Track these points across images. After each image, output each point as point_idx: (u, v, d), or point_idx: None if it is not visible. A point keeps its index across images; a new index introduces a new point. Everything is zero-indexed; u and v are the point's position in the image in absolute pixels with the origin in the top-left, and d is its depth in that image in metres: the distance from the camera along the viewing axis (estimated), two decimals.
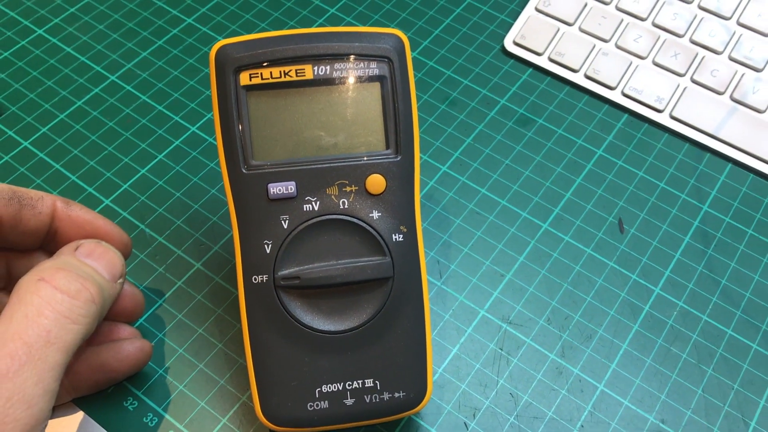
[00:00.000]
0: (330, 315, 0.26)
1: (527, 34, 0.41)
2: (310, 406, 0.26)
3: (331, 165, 0.26)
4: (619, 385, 0.31)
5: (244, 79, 0.25)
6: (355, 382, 0.26)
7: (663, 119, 0.38)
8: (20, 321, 0.22)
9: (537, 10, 0.42)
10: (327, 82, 0.26)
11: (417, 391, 0.27)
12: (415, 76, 0.40)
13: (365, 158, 0.26)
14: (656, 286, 0.33)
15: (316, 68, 0.26)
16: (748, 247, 0.35)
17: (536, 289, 0.33)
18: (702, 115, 0.38)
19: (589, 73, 0.40)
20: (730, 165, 0.37)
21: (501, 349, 0.32)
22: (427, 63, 0.41)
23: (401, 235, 0.26)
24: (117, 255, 0.27)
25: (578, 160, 0.37)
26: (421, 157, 0.37)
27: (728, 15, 0.40)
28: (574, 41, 0.41)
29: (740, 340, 0.32)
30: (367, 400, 0.26)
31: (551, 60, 0.40)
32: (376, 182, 0.26)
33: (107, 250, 0.27)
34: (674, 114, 0.38)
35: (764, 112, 0.38)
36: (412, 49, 0.41)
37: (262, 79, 0.25)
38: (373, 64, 0.26)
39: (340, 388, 0.26)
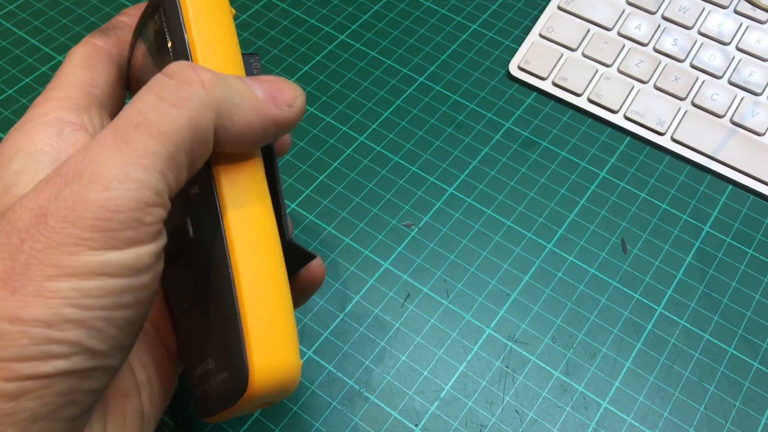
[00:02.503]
0: (174, 293, 0.25)
1: (531, 60, 0.42)
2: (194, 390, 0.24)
3: None
4: (623, 402, 0.31)
5: None
6: (201, 365, 0.24)
7: (664, 142, 0.39)
8: (122, 112, 0.21)
9: (541, 35, 0.43)
10: None
11: (238, 371, 0.22)
12: (422, 100, 0.41)
13: None
14: (659, 305, 0.34)
15: None
16: (749, 267, 0.35)
17: (541, 308, 0.34)
18: (703, 138, 0.39)
19: (592, 97, 0.41)
20: (730, 186, 0.38)
21: (507, 367, 0.32)
22: (434, 87, 0.42)
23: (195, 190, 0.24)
24: (287, 80, 0.24)
25: (582, 182, 0.38)
26: (428, 179, 0.38)
27: (728, 41, 0.41)
28: (577, 66, 0.42)
29: (741, 358, 0.33)
30: (211, 384, 0.23)
31: (555, 84, 0.42)
32: None
33: (275, 78, 0.24)
34: (675, 137, 0.39)
35: (763, 134, 0.39)
36: (419, 74, 0.43)
37: None
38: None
39: (198, 372, 0.24)
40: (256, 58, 0.26)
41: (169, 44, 0.24)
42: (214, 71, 0.21)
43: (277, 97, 0.23)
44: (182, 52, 0.23)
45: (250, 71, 0.25)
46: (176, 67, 0.21)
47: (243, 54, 0.25)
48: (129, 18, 0.27)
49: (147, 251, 0.20)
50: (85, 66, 0.25)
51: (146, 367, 0.25)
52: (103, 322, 0.19)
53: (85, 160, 0.19)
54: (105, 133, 0.20)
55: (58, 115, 0.23)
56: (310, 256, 0.26)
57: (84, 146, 0.20)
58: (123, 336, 0.20)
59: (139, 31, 0.26)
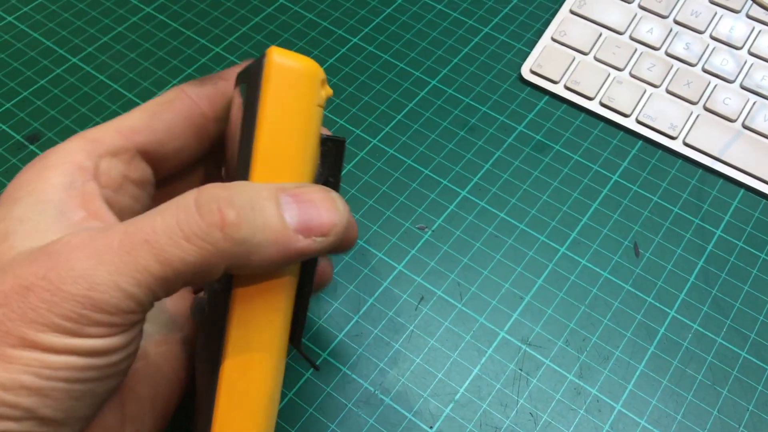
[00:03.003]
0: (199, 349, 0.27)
1: (544, 63, 0.42)
2: None
3: None
4: (636, 405, 0.32)
5: None
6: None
7: (676, 146, 0.40)
8: (142, 216, 0.20)
9: (553, 39, 0.43)
10: None
11: None
12: (434, 103, 0.42)
13: None
14: (671, 309, 0.34)
15: None
16: (762, 272, 0.36)
17: (555, 312, 0.34)
18: (714, 142, 0.39)
19: (604, 101, 0.41)
20: (742, 191, 0.38)
21: (521, 370, 0.32)
22: (446, 91, 0.42)
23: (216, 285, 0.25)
24: (336, 204, 0.22)
25: (594, 186, 0.38)
26: (441, 182, 0.38)
27: (739, 45, 0.41)
28: (589, 70, 0.42)
29: (754, 362, 0.33)
30: None
31: (567, 88, 0.42)
32: None
33: (321, 197, 0.22)
34: (687, 141, 0.39)
35: None
36: (432, 77, 0.43)
37: None
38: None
39: None
40: (341, 144, 0.25)
41: (244, 121, 0.23)
42: (242, 207, 0.20)
43: (311, 226, 0.21)
44: (248, 139, 0.23)
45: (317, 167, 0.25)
46: (206, 196, 0.20)
47: (324, 137, 0.25)
48: (230, 76, 0.27)
49: (116, 341, 0.20)
50: (148, 111, 0.26)
51: (140, 401, 0.25)
52: (62, 393, 0.19)
53: (86, 249, 0.19)
54: (115, 233, 0.20)
55: (77, 159, 0.23)
56: (315, 367, 0.28)
57: (90, 234, 0.20)
58: (82, 407, 0.20)
59: (238, 83, 0.26)
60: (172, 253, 0.19)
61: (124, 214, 0.24)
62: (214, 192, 0.20)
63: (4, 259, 0.20)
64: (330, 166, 0.25)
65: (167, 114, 0.26)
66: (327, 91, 0.24)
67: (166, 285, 0.20)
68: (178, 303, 0.28)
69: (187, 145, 0.27)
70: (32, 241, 0.21)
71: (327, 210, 0.22)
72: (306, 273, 0.25)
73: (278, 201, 0.21)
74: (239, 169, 0.23)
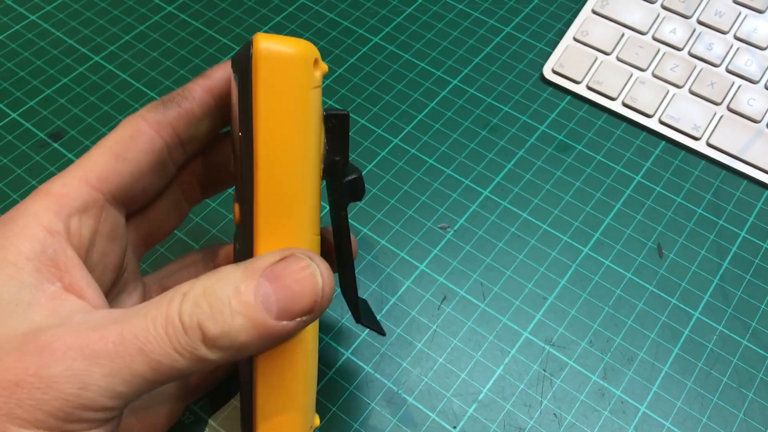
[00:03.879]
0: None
1: (566, 63, 0.42)
2: None
3: None
4: (661, 407, 0.31)
5: None
6: None
7: (700, 147, 0.39)
8: (136, 318, 0.21)
9: (575, 39, 0.43)
10: None
11: None
12: (456, 102, 0.41)
13: None
14: (696, 311, 0.34)
15: None
16: None
17: (578, 312, 0.34)
18: (739, 143, 0.39)
19: (627, 101, 0.41)
20: (766, 192, 0.38)
21: (544, 371, 0.32)
22: (468, 90, 0.42)
23: None
24: (317, 280, 0.22)
25: (617, 186, 0.38)
26: (463, 182, 0.38)
27: (764, 45, 0.41)
28: (611, 70, 0.42)
29: None
30: None
31: (589, 88, 0.42)
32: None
33: (302, 276, 0.22)
34: (711, 141, 0.39)
35: None
36: (452, 77, 0.43)
37: None
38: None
39: None
40: (345, 118, 0.24)
41: (241, 114, 0.23)
42: (221, 314, 0.21)
43: (292, 310, 0.21)
44: (248, 133, 0.22)
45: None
46: (187, 312, 0.21)
47: (327, 113, 0.24)
48: (201, 88, 0.26)
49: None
50: (111, 153, 0.24)
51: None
52: None
53: (81, 349, 0.20)
54: (110, 334, 0.20)
55: (45, 221, 0.22)
56: (381, 332, 0.29)
57: (83, 332, 0.20)
58: None
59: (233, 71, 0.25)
60: (165, 363, 0.20)
61: (96, 269, 0.24)
62: (193, 306, 0.21)
63: None
64: (336, 143, 0.25)
65: (131, 153, 0.24)
66: (322, 68, 0.23)
67: (154, 385, 0.21)
68: None
69: (154, 181, 0.26)
70: (12, 325, 0.20)
71: (307, 289, 0.22)
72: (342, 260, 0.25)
73: (257, 292, 0.21)
74: (243, 165, 0.23)
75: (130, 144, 0.24)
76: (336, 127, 0.25)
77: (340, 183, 0.25)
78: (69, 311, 0.21)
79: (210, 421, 0.31)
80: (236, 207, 0.24)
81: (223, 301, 0.21)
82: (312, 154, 0.23)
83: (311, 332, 0.24)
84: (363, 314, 0.28)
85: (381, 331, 0.29)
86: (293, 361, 0.24)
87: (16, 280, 0.21)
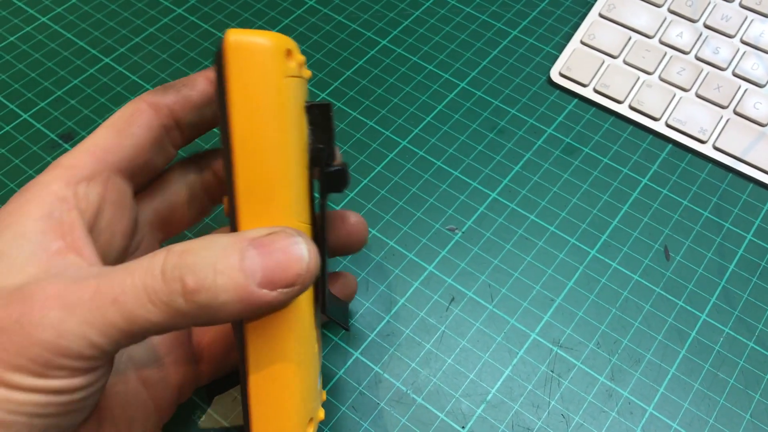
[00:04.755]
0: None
1: (573, 66, 0.42)
2: None
3: None
4: (668, 408, 0.32)
5: None
6: None
7: (706, 150, 0.40)
8: (115, 271, 0.21)
9: (582, 42, 0.43)
10: None
11: None
12: (463, 105, 0.42)
13: None
14: (702, 313, 0.34)
15: None
16: None
17: (585, 314, 0.34)
18: (745, 146, 0.39)
19: (634, 104, 0.41)
20: None
21: (552, 372, 0.33)
22: (476, 93, 0.43)
23: None
24: (302, 255, 0.22)
25: (624, 189, 0.39)
26: (470, 184, 0.39)
27: None
28: (618, 73, 0.42)
29: None
30: None
31: (596, 91, 0.42)
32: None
33: (289, 249, 0.22)
34: (717, 145, 0.39)
35: None
36: (460, 79, 0.43)
37: None
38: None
39: None
40: (326, 108, 0.25)
41: (219, 108, 0.24)
42: (204, 270, 0.21)
43: (274, 279, 0.22)
44: (225, 126, 0.23)
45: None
46: (170, 263, 0.21)
47: (308, 104, 0.25)
48: (203, 78, 0.27)
49: (78, 382, 0.21)
50: (114, 129, 0.26)
51: (116, 423, 0.26)
52: (24, 426, 0.20)
53: (59, 299, 0.20)
54: (88, 286, 0.21)
55: (54, 189, 0.24)
56: (345, 328, 0.30)
57: (65, 283, 0.21)
58: None
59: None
60: (138, 314, 0.21)
61: (104, 234, 0.25)
62: (177, 259, 0.21)
63: None
64: (320, 133, 0.25)
65: (131, 129, 0.26)
66: (297, 59, 0.24)
67: (131, 338, 0.21)
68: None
69: (155, 157, 0.27)
70: (9, 278, 0.22)
71: (293, 260, 0.22)
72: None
73: (242, 256, 0.21)
74: (224, 155, 0.24)
75: (130, 120, 0.26)
76: (318, 118, 0.25)
77: (322, 172, 0.26)
78: (64, 267, 0.22)
79: (209, 410, 0.31)
80: (225, 199, 0.25)
81: (208, 260, 0.21)
82: (288, 142, 0.24)
83: (306, 320, 0.25)
84: (331, 307, 0.28)
85: (345, 327, 0.29)
86: (285, 348, 0.24)
87: (23, 239, 0.22)
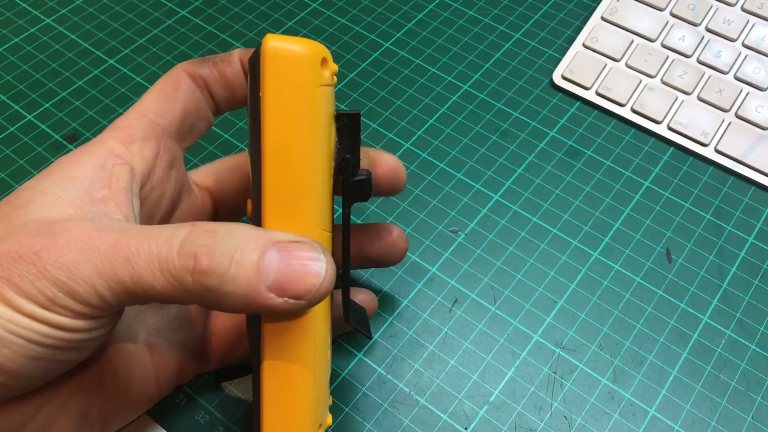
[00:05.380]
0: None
1: (575, 69, 0.43)
2: None
3: None
4: (670, 410, 0.32)
5: None
6: None
7: (708, 153, 0.40)
8: (139, 230, 0.22)
9: (584, 45, 0.43)
10: None
11: None
12: (466, 108, 0.42)
13: None
14: (704, 315, 0.35)
15: None
16: None
17: (588, 316, 0.34)
18: (746, 150, 0.39)
19: (636, 108, 0.41)
20: None
21: (555, 373, 0.33)
22: (478, 96, 0.43)
23: None
24: (320, 272, 0.22)
25: (626, 191, 0.39)
26: (473, 186, 0.39)
27: None
28: (620, 76, 0.42)
29: None
30: None
31: (599, 94, 0.42)
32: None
33: (309, 262, 0.22)
34: (719, 148, 0.40)
35: None
36: (463, 82, 0.43)
37: None
38: None
39: None
40: (356, 117, 0.25)
41: (251, 113, 0.24)
42: (221, 256, 0.21)
43: (286, 287, 0.22)
44: (256, 131, 0.23)
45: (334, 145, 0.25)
46: (192, 238, 0.21)
47: (338, 113, 0.25)
48: (239, 57, 0.28)
49: (80, 324, 0.22)
50: (162, 94, 0.27)
51: (117, 376, 0.27)
52: (20, 347, 0.21)
53: (80, 243, 0.21)
54: (108, 238, 0.21)
55: (110, 146, 0.25)
56: (368, 336, 0.29)
57: (89, 230, 0.22)
58: (38, 367, 0.22)
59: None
60: (145, 278, 0.21)
61: (155, 191, 0.27)
62: (200, 236, 0.21)
63: (18, 222, 0.22)
64: (347, 142, 0.26)
65: (178, 93, 0.27)
66: (331, 68, 0.24)
67: (135, 299, 0.22)
68: (184, 307, 0.30)
69: (199, 122, 0.29)
70: (48, 212, 0.23)
71: (309, 275, 0.22)
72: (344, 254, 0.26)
73: (263, 254, 0.22)
74: (252, 160, 0.24)
75: (176, 86, 0.28)
76: (346, 127, 0.25)
77: (348, 182, 0.26)
78: (99, 213, 0.23)
79: (211, 409, 0.31)
80: (249, 202, 0.25)
81: (229, 248, 0.21)
82: (318, 150, 0.24)
83: (322, 328, 0.25)
84: (352, 315, 0.28)
85: (368, 335, 0.29)
86: (302, 355, 0.24)
87: (72, 182, 0.24)
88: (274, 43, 0.23)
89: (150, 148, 0.26)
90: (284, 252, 0.22)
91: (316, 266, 0.22)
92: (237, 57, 0.28)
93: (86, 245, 0.21)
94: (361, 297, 0.32)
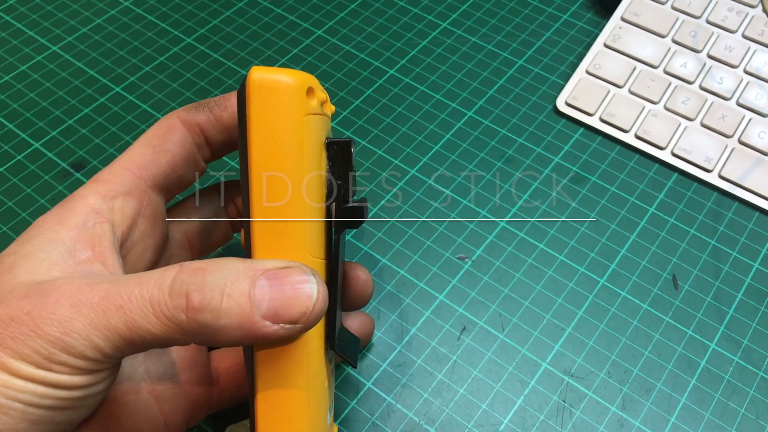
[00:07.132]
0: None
1: (579, 95, 0.43)
2: None
3: None
4: None
5: None
6: None
7: (712, 179, 0.40)
8: (128, 279, 0.22)
9: (588, 72, 0.44)
10: None
11: None
12: (471, 134, 0.42)
13: None
14: (712, 342, 0.35)
15: None
16: None
17: (596, 343, 0.34)
18: (750, 175, 0.40)
19: (640, 134, 0.41)
20: None
21: (564, 401, 0.33)
22: (483, 122, 0.43)
23: None
24: (312, 295, 0.22)
25: (631, 218, 0.39)
26: (479, 212, 0.39)
27: None
28: (624, 103, 0.42)
29: None
30: None
31: (602, 120, 0.42)
32: None
33: (299, 286, 0.22)
34: (723, 174, 0.40)
35: None
36: (467, 108, 0.44)
37: None
38: None
39: None
40: (346, 145, 0.26)
41: (240, 142, 0.25)
42: (211, 291, 0.21)
43: (280, 313, 0.22)
44: (245, 160, 0.24)
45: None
46: (181, 278, 0.22)
47: (329, 141, 0.25)
48: (228, 102, 0.29)
49: (78, 380, 0.21)
50: (150, 145, 0.27)
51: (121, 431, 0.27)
52: (18, 413, 0.21)
53: (71, 297, 0.21)
54: (99, 289, 0.21)
55: (91, 203, 0.25)
56: (353, 365, 0.28)
57: (79, 284, 0.22)
58: (37, 430, 0.22)
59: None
60: (140, 323, 0.21)
61: (138, 246, 0.27)
62: (188, 274, 0.22)
63: (4, 287, 0.22)
64: (338, 169, 0.26)
65: (167, 145, 0.27)
66: (319, 97, 0.24)
67: (132, 346, 0.22)
68: (183, 349, 0.30)
69: (188, 172, 0.29)
70: (33, 275, 0.23)
71: (301, 298, 0.22)
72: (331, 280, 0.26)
73: (253, 285, 0.22)
74: (242, 192, 0.24)
75: (166, 137, 0.27)
76: (337, 154, 0.26)
77: (339, 208, 0.26)
78: (86, 272, 0.23)
79: None
80: (242, 232, 0.25)
81: (219, 282, 0.21)
82: (304, 177, 0.24)
83: (316, 355, 0.25)
84: (339, 342, 0.28)
85: (353, 364, 0.28)
86: (295, 383, 0.24)
87: (55, 244, 0.24)
88: (259, 75, 0.23)
89: (131, 204, 0.26)
90: (274, 279, 0.22)
91: (308, 288, 0.22)
92: (233, 100, 0.29)
93: (78, 299, 0.21)
94: (357, 324, 0.32)
